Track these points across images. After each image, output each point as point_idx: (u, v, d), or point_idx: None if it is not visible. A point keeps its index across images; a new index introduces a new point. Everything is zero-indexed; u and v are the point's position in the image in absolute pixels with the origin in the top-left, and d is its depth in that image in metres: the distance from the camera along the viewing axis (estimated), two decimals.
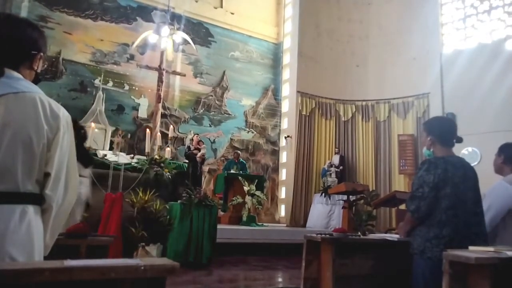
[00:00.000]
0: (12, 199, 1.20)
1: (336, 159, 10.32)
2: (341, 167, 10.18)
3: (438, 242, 2.09)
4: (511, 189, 2.34)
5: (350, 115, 10.98)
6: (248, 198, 8.15)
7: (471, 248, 1.95)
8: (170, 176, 5.98)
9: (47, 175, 1.28)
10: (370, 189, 8.09)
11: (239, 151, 10.01)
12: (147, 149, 6.11)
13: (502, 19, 9.31)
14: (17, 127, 1.21)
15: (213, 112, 10.93)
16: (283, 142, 11.43)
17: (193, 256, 5.20)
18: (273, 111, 11.92)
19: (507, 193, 2.34)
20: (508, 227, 2.31)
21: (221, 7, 11.42)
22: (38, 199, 1.27)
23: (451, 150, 2.32)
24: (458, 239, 2.08)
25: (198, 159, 8.39)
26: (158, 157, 5.93)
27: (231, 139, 11.08)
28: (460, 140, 2.34)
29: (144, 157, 6.02)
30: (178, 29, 9.72)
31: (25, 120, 1.22)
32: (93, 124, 7.49)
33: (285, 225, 10.15)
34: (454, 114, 9.30)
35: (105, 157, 5.64)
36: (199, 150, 8.51)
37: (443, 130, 2.33)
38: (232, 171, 8.93)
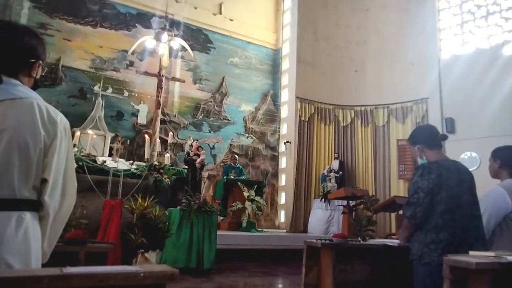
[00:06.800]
0: (8, 206, 1.18)
1: (335, 164, 10.31)
2: (340, 172, 10.17)
3: (436, 246, 2.08)
4: (507, 194, 2.31)
5: (349, 120, 11.01)
6: (247, 204, 8.13)
7: (471, 253, 1.95)
8: (169, 182, 5.97)
9: (44, 181, 1.26)
10: (370, 194, 8.08)
11: (236, 155, 10.00)
12: (147, 155, 6.10)
13: (499, 24, 9.36)
14: (14, 132, 1.19)
15: (212, 118, 10.94)
16: (282, 147, 11.43)
17: (195, 262, 5.18)
18: (272, 117, 11.94)
19: (502, 198, 2.31)
20: (505, 233, 2.29)
21: (220, 13, 11.48)
22: (35, 206, 1.25)
23: (441, 152, 2.34)
24: (455, 243, 2.07)
25: (197, 165, 8.38)
26: (157, 163, 5.92)
27: (230, 144, 11.08)
28: (444, 137, 2.40)
29: (144, 163, 6.01)
30: (177, 35, 9.76)
31: (22, 125, 1.21)
32: (91, 131, 7.48)
33: (285, 230, 10.11)
34: (452, 119, 9.33)
35: (105, 164, 5.63)
36: (198, 156, 8.50)
37: (426, 135, 2.38)
38: (230, 176, 8.93)
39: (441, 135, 2.40)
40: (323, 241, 2.84)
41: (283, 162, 11.55)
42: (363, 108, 10.95)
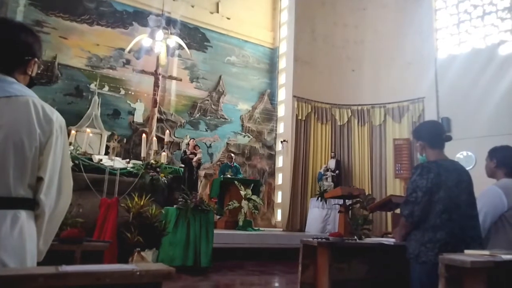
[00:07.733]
0: (4, 204, 1.18)
1: (332, 163, 10.34)
2: (337, 171, 10.20)
3: (433, 246, 2.09)
4: (503, 194, 2.33)
5: (345, 119, 11.02)
6: (244, 203, 8.13)
7: (466, 251, 1.95)
8: (166, 181, 5.96)
9: (40, 179, 1.25)
10: (366, 193, 8.11)
11: (232, 154, 9.98)
12: (143, 154, 6.09)
13: (496, 24, 9.41)
14: (9, 130, 1.19)
15: (209, 117, 10.93)
16: (279, 146, 11.44)
17: (192, 261, 5.17)
18: (269, 116, 11.94)
19: (498, 197, 2.32)
20: (500, 232, 2.31)
21: (217, 12, 11.46)
22: (31, 204, 1.25)
23: (442, 153, 2.33)
24: (453, 243, 2.08)
25: (194, 163, 8.36)
26: (154, 162, 5.91)
27: (227, 143, 11.07)
28: (449, 138, 2.36)
29: (140, 162, 6.01)
30: (174, 34, 9.73)
31: (17, 123, 1.21)
32: (88, 129, 7.46)
33: (281, 229, 10.13)
34: (449, 119, 9.36)
35: (101, 162, 5.61)
36: (195, 154, 8.48)
37: (431, 134, 2.36)
38: (227, 175, 8.92)
39: (446, 135, 2.35)
40: (319, 239, 2.84)
41: (279, 161, 11.55)
42: (359, 107, 10.97)
